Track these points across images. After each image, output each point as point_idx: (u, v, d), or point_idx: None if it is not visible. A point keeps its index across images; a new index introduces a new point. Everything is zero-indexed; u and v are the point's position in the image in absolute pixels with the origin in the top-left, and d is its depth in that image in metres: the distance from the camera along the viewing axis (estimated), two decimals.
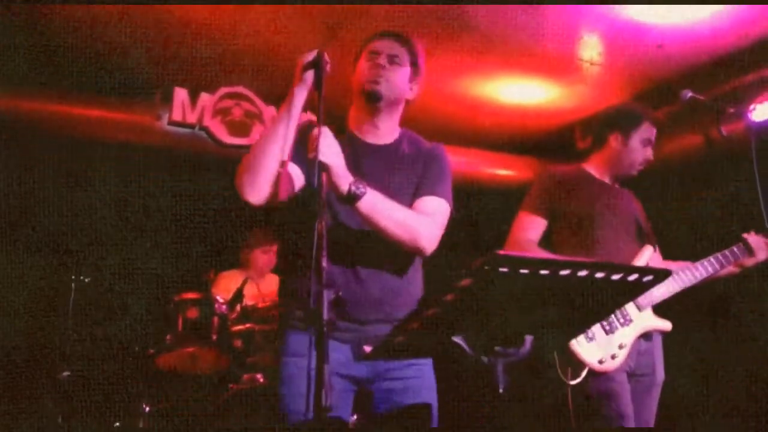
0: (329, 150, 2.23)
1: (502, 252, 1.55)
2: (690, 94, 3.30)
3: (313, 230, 1.97)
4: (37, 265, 5.29)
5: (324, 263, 1.92)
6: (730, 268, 3.61)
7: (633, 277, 1.71)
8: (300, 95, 2.40)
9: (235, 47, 5.23)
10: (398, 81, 2.65)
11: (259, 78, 5.63)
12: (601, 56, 5.40)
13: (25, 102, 5.28)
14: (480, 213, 6.47)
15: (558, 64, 5.54)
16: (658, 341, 3.48)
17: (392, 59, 2.64)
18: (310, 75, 2.36)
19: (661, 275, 1.76)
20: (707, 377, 5.27)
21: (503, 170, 7.11)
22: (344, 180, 2.32)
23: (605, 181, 3.61)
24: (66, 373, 4.70)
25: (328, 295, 1.89)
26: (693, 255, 3.61)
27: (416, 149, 2.75)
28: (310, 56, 2.35)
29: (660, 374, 3.44)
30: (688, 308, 4.23)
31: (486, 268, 1.56)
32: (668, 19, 4.82)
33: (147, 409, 4.43)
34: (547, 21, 4.86)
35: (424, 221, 2.52)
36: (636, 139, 3.54)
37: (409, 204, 2.58)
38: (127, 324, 4.89)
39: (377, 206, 2.38)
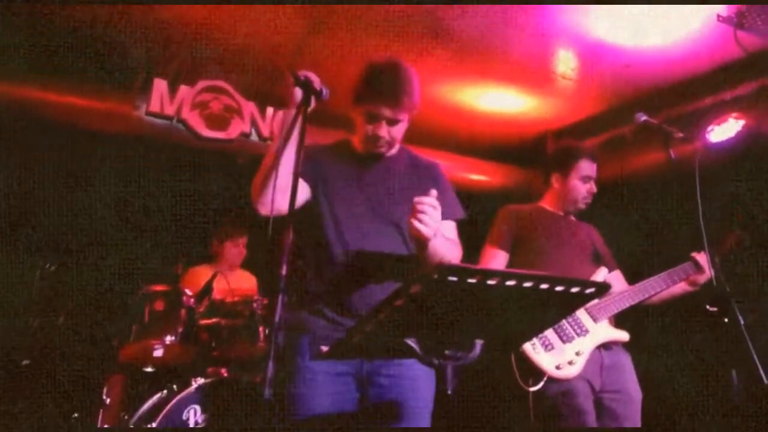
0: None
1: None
2: (644, 117, 3.26)
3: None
4: (37, 265, 5.31)
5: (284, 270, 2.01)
6: (684, 286, 3.74)
7: (575, 289, 1.77)
8: (291, 113, 2.45)
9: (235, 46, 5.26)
10: (399, 135, 2.76)
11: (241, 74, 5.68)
12: (573, 71, 5.59)
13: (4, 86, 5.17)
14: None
15: (533, 75, 5.70)
16: (626, 358, 3.59)
17: (393, 122, 2.70)
18: (298, 93, 2.42)
19: (602, 288, 1.83)
20: (707, 377, 5.26)
21: (477, 175, 7.22)
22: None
23: (561, 215, 3.85)
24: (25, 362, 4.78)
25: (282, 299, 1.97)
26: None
27: (414, 165, 2.92)
28: (300, 76, 2.39)
29: (635, 391, 3.51)
30: (689, 308, 4.21)
31: (435, 276, 1.59)
32: (637, 41, 5.01)
33: (108, 401, 4.42)
34: (523, 32, 4.98)
35: (455, 250, 2.68)
36: (574, 178, 3.79)
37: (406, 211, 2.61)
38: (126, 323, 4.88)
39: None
